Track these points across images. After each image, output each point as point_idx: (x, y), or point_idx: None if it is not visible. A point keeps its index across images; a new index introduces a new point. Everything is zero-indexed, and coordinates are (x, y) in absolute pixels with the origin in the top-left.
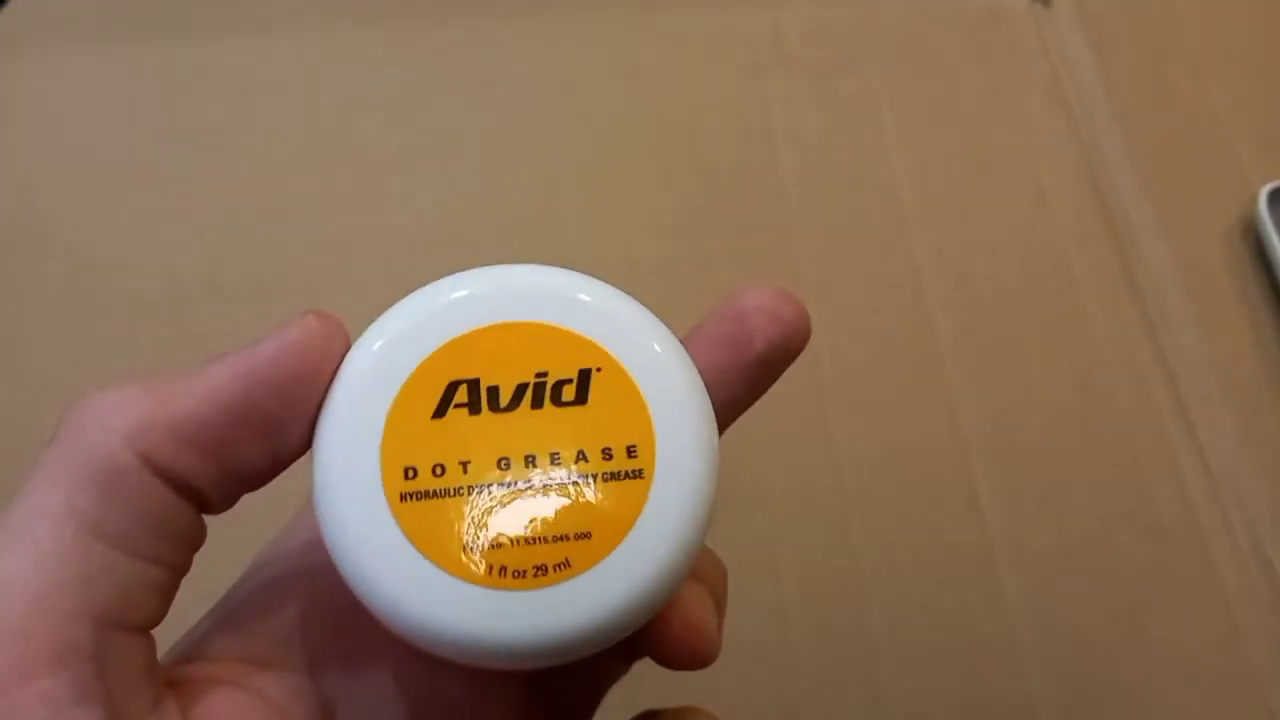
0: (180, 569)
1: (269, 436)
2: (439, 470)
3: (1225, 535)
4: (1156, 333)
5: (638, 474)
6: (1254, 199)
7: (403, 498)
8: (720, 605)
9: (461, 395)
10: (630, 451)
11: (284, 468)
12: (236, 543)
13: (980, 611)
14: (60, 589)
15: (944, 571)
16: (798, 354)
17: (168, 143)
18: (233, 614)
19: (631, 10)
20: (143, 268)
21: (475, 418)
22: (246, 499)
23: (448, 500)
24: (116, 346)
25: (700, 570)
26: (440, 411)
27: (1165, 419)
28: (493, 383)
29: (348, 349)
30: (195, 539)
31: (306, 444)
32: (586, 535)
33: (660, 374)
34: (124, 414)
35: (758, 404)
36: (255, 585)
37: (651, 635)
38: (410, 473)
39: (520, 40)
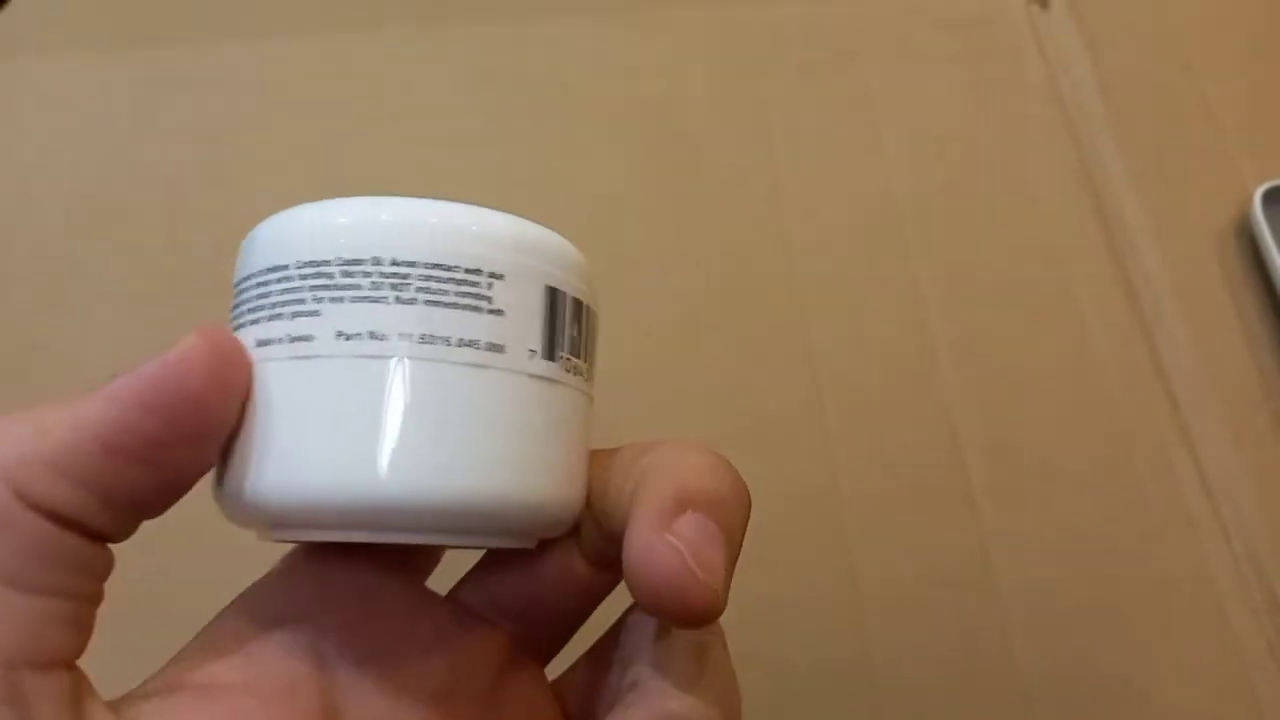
0: (89, 598)
1: (152, 463)
2: None
3: (1219, 534)
4: (1151, 332)
5: None
6: (1248, 199)
7: None
8: (731, 546)
9: None
10: None
11: (179, 494)
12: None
13: (974, 610)
14: None
15: (939, 570)
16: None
17: (166, 145)
18: (206, 632)
19: (627, 9)
20: (142, 269)
21: None
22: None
23: None
24: (114, 346)
25: (706, 499)
26: None
27: (1159, 418)
28: None
29: (244, 366)
30: (96, 567)
31: (203, 467)
32: None
33: None
34: None
35: (752, 405)
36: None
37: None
38: None
39: (516, 41)
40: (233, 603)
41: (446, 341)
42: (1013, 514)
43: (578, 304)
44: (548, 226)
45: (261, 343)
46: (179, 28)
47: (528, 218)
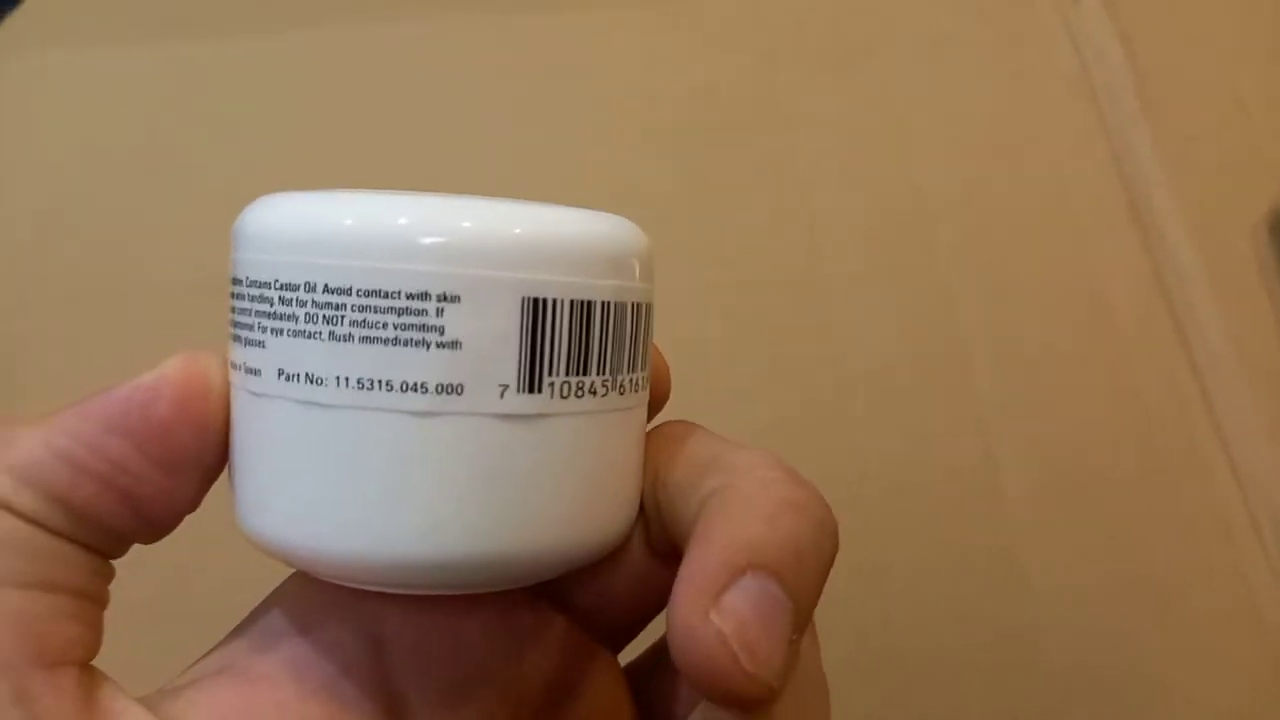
0: (88, 596)
1: (120, 488)
2: None
3: (1251, 530)
4: (1183, 326)
5: None
6: None
7: None
8: (800, 611)
9: None
10: None
11: (160, 525)
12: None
13: (1006, 609)
14: None
15: (970, 568)
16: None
17: (190, 138)
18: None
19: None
20: (164, 262)
21: None
22: None
23: None
24: (141, 341)
25: (772, 557)
26: None
27: (1192, 414)
28: None
29: (217, 399)
30: (90, 566)
31: (181, 500)
32: None
33: None
34: None
35: (780, 400)
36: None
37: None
38: None
39: (538, 29)
40: (282, 585)
41: (388, 387)
42: (1044, 512)
43: (584, 308)
44: (565, 207)
45: (233, 365)
46: (202, 20)
47: (528, 200)
